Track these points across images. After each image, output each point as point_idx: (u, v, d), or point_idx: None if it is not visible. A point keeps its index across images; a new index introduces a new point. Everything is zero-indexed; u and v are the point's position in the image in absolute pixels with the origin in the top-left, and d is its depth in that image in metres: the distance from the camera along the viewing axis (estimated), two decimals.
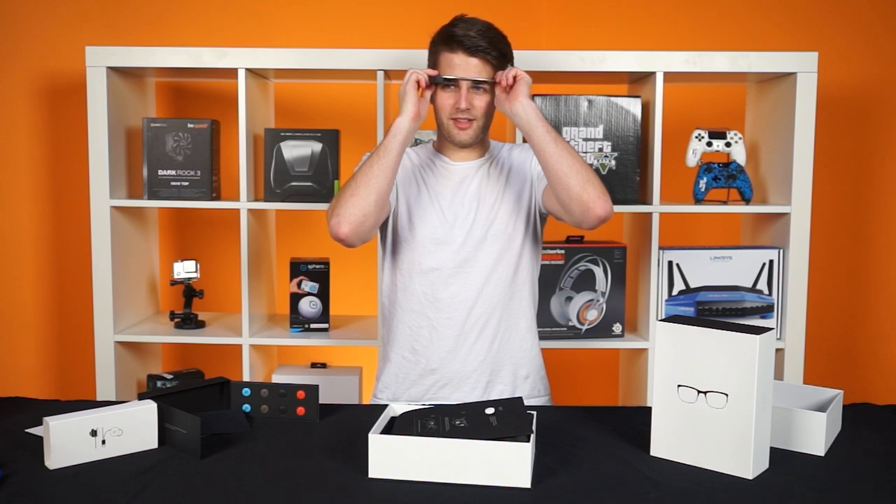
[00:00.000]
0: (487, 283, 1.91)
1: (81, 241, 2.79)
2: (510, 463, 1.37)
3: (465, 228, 1.90)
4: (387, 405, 1.62)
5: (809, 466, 1.48)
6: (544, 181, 1.92)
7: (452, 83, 1.85)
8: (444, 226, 1.91)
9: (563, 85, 2.79)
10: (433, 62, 1.90)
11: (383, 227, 1.98)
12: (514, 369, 1.95)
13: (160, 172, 2.57)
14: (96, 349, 2.55)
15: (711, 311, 2.55)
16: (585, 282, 2.52)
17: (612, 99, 2.52)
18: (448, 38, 1.84)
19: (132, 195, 2.67)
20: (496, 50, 1.83)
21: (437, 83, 1.86)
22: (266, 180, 2.57)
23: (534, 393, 1.98)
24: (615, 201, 2.52)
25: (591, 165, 2.51)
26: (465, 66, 1.83)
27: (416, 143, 2.60)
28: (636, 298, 2.65)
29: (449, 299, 1.91)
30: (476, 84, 1.84)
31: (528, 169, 1.97)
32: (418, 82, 1.83)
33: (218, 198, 2.66)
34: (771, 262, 2.55)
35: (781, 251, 2.55)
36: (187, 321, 2.64)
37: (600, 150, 2.53)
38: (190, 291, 2.67)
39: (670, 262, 2.53)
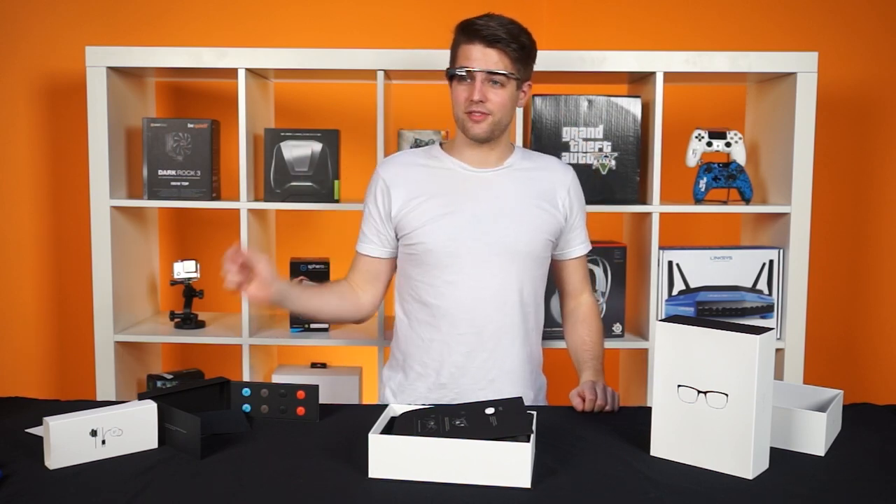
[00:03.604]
0: (501, 300, 1.87)
1: (81, 241, 2.79)
2: (510, 463, 1.37)
3: (480, 241, 1.85)
4: (387, 405, 1.62)
5: (809, 466, 1.48)
6: (568, 254, 2.00)
7: (467, 77, 1.79)
8: (458, 238, 1.85)
9: (563, 85, 2.79)
10: (453, 55, 1.85)
11: (398, 238, 1.93)
12: (523, 389, 1.93)
13: (160, 172, 2.57)
14: (96, 349, 2.55)
15: (711, 311, 2.55)
16: None
17: (612, 99, 2.52)
18: (467, 28, 1.80)
19: (132, 195, 2.67)
20: (516, 42, 1.78)
21: (450, 76, 1.83)
22: (266, 180, 2.57)
23: None
24: (615, 201, 2.54)
25: (590, 165, 2.52)
26: (482, 57, 1.78)
27: (417, 143, 2.60)
28: (636, 298, 2.65)
29: (462, 315, 1.87)
30: (493, 78, 1.79)
31: (559, 203, 1.93)
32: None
33: (218, 198, 2.66)
34: (771, 262, 2.55)
35: (781, 251, 2.55)
36: (187, 321, 2.64)
37: (600, 150, 2.53)
38: (190, 291, 2.67)
39: (670, 262, 2.53)
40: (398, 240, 1.93)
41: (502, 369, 1.91)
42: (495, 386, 1.90)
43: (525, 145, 2.51)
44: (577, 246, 2.01)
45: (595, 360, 1.94)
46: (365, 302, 1.98)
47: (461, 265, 1.86)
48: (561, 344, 2.52)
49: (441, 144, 1.98)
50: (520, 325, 1.91)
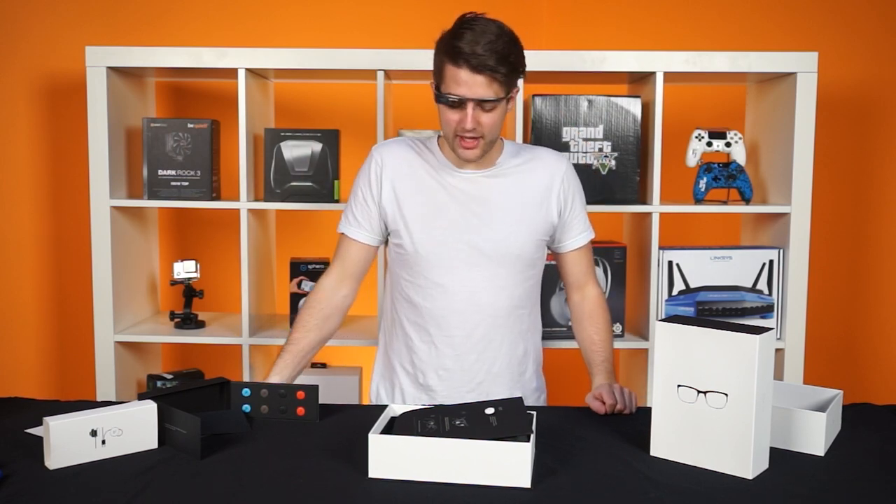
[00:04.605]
0: (491, 303, 1.86)
1: (81, 241, 2.79)
2: (510, 463, 1.37)
3: (469, 245, 1.84)
4: (387, 405, 1.62)
5: (809, 466, 1.48)
6: (567, 245, 1.95)
7: (458, 101, 1.73)
8: (449, 240, 1.84)
9: (563, 85, 2.79)
10: (438, 71, 1.76)
11: (388, 236, 1.93)
12: (510, 392, 1.92)
13: (160, 172, 2.57)
14: (96, 349, 2.55)
15: (711, 311, 2.55)
16: None
17: (612, 99, 2.52)
18: (453, 52, 1.69)
19: (132, 195, 2.67)
20: (505, 66, 1.69)
21: (441, 102, 1.76)
22: (266, 180, 2.57)
23: None
24: (615, 201, 2.54)
25: (590, 165, 2.52)
26: (470, 82, 1.69)
27: None
28: (636, 298, 2.65)
29: (450, 317, 1.86)
30: (484, 106, 1.73)
31: (553, 197, 1.89)
32: None
33: (218, 198, 2.66)
34: (771, 262, 2.55)
35: (781, 251, 2.55)
36: (187, 321, 2.64)
37: (600, 150, 2.53)
38: (190, 291, 2.67)
39: (670, 262, 2.53)
40: (387, 230, 1.92)
41: (490, 372, 1.90)
42: (483, 388, 1.90)
43: None
44: (577, 236, 1.96)
45: (606, 362, 1.92)
46: (344, 301, 1.95)
47: (450, 268, 1.85)
48: (559, 344, 2.53)
49: (439, 138, 1.93)
50: (510, 328, 1.90)
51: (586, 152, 2.52)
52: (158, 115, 2.94)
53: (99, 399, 2.52)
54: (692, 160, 2.56)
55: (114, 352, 2.55)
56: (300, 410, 1.70)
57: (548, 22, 3.22)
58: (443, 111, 1.77)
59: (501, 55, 1.69)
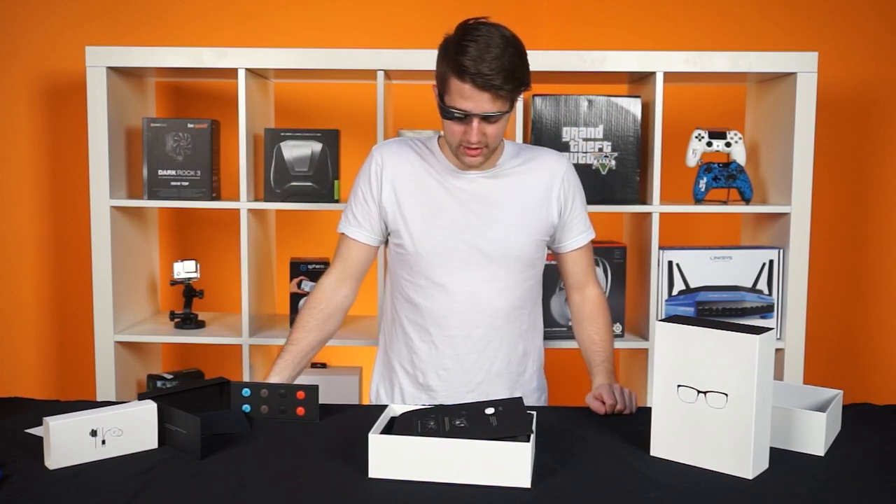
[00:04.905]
0: (491, 303, 1.86)
1: (81, 241, 2.79)
2: (510, 463, 1.37)
3: (469, 245, 1.84)
4: (387, 405, 1.62)
5: (809, 466, 1.48)
6: (567, 246, 1.95)
7: (463, 116, 1.72)
8: (449, 240, 1.83)
9: (563, 85, 2.79)
10: (441, 80, 1.74)
11: (388, 235, 1.92)
12: (510, 392, 1.92)
13: (160, 172, 2.57)
14: (96, 349, 2.55)
15: (711, 311, 2.55)
16: None
17: (612, 99, 2.52)
18: (458, 69, 1.66)
19: (132, 195, 2.67)
20: (511, 82, 1.67)
21: (446, 118, 1.75)
22: (266, 180, 2.57)
23: None
24: (615, 201, 2.54)
25: (590, 165, 2.52)
26: (476, 98, 1.67)
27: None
28: (636, 298, 2.65)
29: (450, 317, 1.86)
30: (490, 119, 1.72)
31: (553, 197, 1.89)
32: None
33: (218, 198, 2.66)
34: (771, 262, 2.55)
35: (781, 251, 2.55)
36: (187, 321, 2.64)
37: (600, 150, 2.53)
38: (190, 291, 2.67)
39: (670, 262, 2.53)
40: (387, 230, 1.92)
41: (489, 372, 1.90)
42: (482, 388, 1.90)
43: None
44: (578, 236, 1.95)
45: (606, 362, 1.92)
46: (344, 301, 1.95)
47: (450, 268, 1.85)
48: (559, 344, 2.53)
49: (439, 138, 1.92)
50: (510, 328, 1.90)
51: (586, 152, 2.52)
52: (158, 115, 2.94)
53: (99, 399, 2.52)
54: (692, 160, 2.56)
55: (114, 352, 2.55)
56: (300, 410, 1.70)
57: (548, 22, 3.22)
58: (447, 123, 1.77)
59: (508, 72, 1.66)
